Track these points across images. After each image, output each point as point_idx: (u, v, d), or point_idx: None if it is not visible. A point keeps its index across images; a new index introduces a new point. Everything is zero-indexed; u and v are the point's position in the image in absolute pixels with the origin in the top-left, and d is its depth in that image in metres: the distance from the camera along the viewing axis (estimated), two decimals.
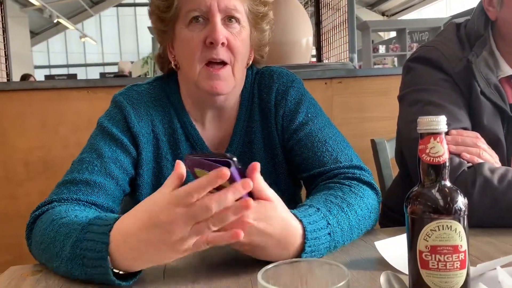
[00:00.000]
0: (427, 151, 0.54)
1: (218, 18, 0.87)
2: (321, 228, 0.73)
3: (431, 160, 0.54)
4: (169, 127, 0.96)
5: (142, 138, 0.93)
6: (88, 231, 0.69)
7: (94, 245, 0.67)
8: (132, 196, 0.97)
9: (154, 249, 0.63)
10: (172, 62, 0.96)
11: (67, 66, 18.05)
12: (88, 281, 0.69)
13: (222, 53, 0.88)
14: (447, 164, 0.54)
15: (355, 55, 2.30)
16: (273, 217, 0.68)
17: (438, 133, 0.53)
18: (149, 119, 0.94)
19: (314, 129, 0.96)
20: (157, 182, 0.95)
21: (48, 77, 10.13)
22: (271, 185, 0.97)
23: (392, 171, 1.48)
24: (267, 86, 0.99)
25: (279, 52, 2.18)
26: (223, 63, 0.89)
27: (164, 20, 0.93)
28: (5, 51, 3.10)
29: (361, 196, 0.84)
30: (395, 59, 8.62)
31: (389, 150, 1.61)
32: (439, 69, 1.10)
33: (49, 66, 17.73)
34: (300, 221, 0.71)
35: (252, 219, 0.65)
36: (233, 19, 0.90)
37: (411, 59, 1.19)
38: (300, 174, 0.97)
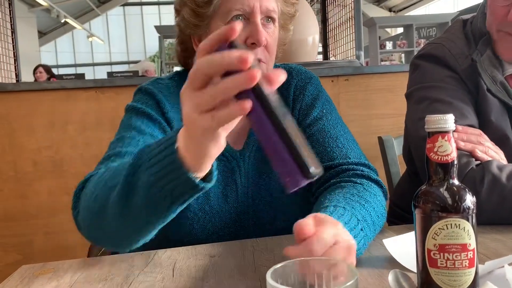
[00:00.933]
0: (435, 149, 0.54)
1: (259, 18, 0.89)
2: (355, 226, 0.72)
3: (439, 159, 0.53)
4: None
5: (176, 124, 0.93)
6: (151, 149, 0.62)
7: (163, 150, 0.60)
8: None
9: (188, 130, 0.56)
10: None
11: (75, 65, 18.14)
12: (152, 203, 0.62)
13: (260, 53, 0.90)
14: (455, 162, 0.54)
15: (362, 53, 2.29)
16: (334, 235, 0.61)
17: (446, 132, 0.53)
18: (179, 109, 0.94)
19: (327, 125, 0.97)
20: None
21: (56, 77, 10.17)
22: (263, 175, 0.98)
23: (400, 168, 1.48)
24: (286, 82, 1.00)
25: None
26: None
27: (200, 15, 0.93)
28: (14, 52, 3.09)
29: (374, 194, 0.85)
30: (402, 55, 8.57)
31: (397, 147, 1.60)
32: (446, 66, 1.10)
33: (57, 66, 17.81)
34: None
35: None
36: (270, 20, 0.92)
37: (417, 56, 1.18)
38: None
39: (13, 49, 3.18)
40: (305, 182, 0.46)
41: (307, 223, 0.59)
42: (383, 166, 1.48)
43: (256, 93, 0.48)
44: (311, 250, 0.55)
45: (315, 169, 0.45)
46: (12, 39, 3.20)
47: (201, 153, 0.57)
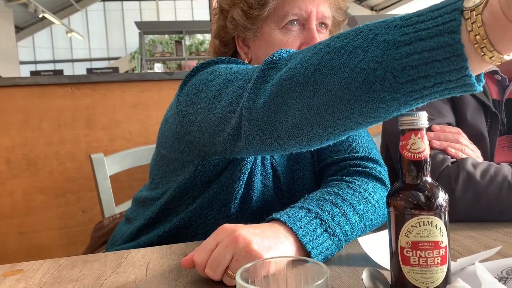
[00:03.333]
0: (408, 147, 0.54)
1: (314, 24, 0.88)
2: (315, 228, 0.71)
3: (412, 156, 0.53)
4: None
5: None
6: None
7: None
8: (226, 169, 0.87)
9: None
10: (246, 60, 0.95)
11: (54, 61, 17.81)
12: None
13: None
14: (428, 160, 0.54)
15: None
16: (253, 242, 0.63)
17: (419, 129, 0.53)
18: None
19: None
20: (252, 169, 0.88)
21: (34, 73, 9.95)
22: (297, 180, 0.97)
23: None
24: None
25: None
26: None
27: (252, 17, 0.90)
28: None
29: (359, 191, 0.82)
30: None
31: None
32: None
33: (35, 62, 17.49)
34: (290, 228, 0.69)
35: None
36: (323, 26, 0.92)
37: None
38: (319, 164, 0.96)
39: None
40: None
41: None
42: None
43: None
44: (196, 258, 0.64)
45: None
46: None
47: None
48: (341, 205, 0.78)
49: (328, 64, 0.53)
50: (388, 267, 0.56)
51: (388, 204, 0.55)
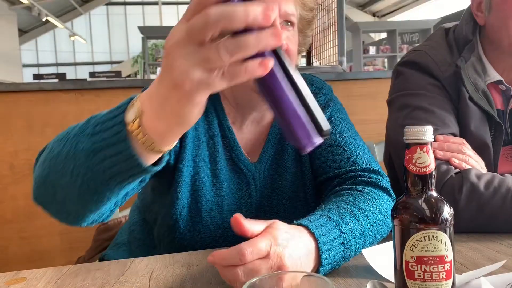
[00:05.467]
0: (414, 161, 0.54)
1: (278, 22, 0.87)
2: (335, 238, 0.71)
3: (417, 170, 0.53)
4: (209, 128, 0.94)
5: (189, 131, 0.90)
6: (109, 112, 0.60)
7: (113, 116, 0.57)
8: (168, 192, 0.91)
9: (164, 99, 0.50)
10: None
11: (56, 65, 17.88)
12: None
13: None
14: (434, 173, 0.54)
15: (345, 58, 2.30)
16: (286, 239, 0.64)
17: (425, 143, 0.53)
18: None
19: (335, 133, 0.96)
20: (193, 183, 0.91)
21: (36, 76, 10.03)
22: (299, 193, 0.98)
23: None
24: None
25: None
26: None
27: None
28: None
29: (373, 201, 0.82)
30: (386, 60, 8.67)
31: (378, 153, 1.62)
32: (428, 74, 1.11)
33: (38, 65, 17.55)
34: (312, 233, 0.69)
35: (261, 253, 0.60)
36: (289, 23, 0.90)
37: (400, 63, 1.19)
38: (318, 178, 0.96)
39: None
40: (320, 141, 0.48)
41: (242, 218, 0.62)
42: None
43: (275, 52, 0.46)
44: (243, 255, 0.58)
45: (327, 127, 0.47)
46: None
47: (179, 120, 0.51)
48: (358, 216, 0.77)
49: (54, 168, 0.64)
50: (393, 280, 0.56)
51: (393, 217, 0.55)
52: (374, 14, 16.15)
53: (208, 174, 0.92)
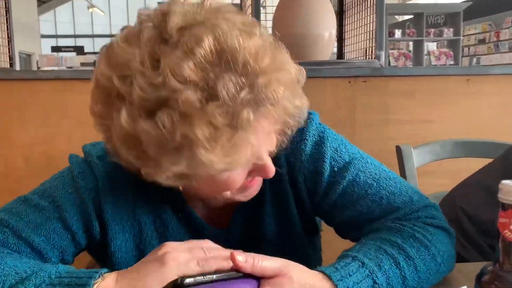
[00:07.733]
0: (511, 227, 0.45)
1: (266, 158, 0.70)
2: (362, 279, 0.63)
3: None
4: (153, 205, 0.79)
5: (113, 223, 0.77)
6: None
7: None
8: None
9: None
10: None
11: (74, 36, 17.89)
12: None
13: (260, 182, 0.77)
14: None
15: (383, 53, 2.16)
16: None
17: None
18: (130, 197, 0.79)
19: (347, 185, 0.78)
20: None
21: (54, 49, 10.00)
22: (285, 247, 0.84)
23: (418, 181, 1.36)
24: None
25: (300, 46, 2.05)
26: None
27: None
28: (7, 28, 2.37)
29: (426, 245, 0.70)
30: (410, 44, 8.39)
31: (415, 158, 1.49)
32: None
33: (56, 36, 17.57)
34: (335, 286, 0.61)
35: None
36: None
37: None
38: (346, 233, 0.83)
39: (7, 23, 2.38)
40: None
41: (255, 256, 0.59)
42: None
43: None
44: None
45: None
46: (6, 11, 2.38)
47: None
48: (402, 266, 0.67)
49: None
50: None
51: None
52: None
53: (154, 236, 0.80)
